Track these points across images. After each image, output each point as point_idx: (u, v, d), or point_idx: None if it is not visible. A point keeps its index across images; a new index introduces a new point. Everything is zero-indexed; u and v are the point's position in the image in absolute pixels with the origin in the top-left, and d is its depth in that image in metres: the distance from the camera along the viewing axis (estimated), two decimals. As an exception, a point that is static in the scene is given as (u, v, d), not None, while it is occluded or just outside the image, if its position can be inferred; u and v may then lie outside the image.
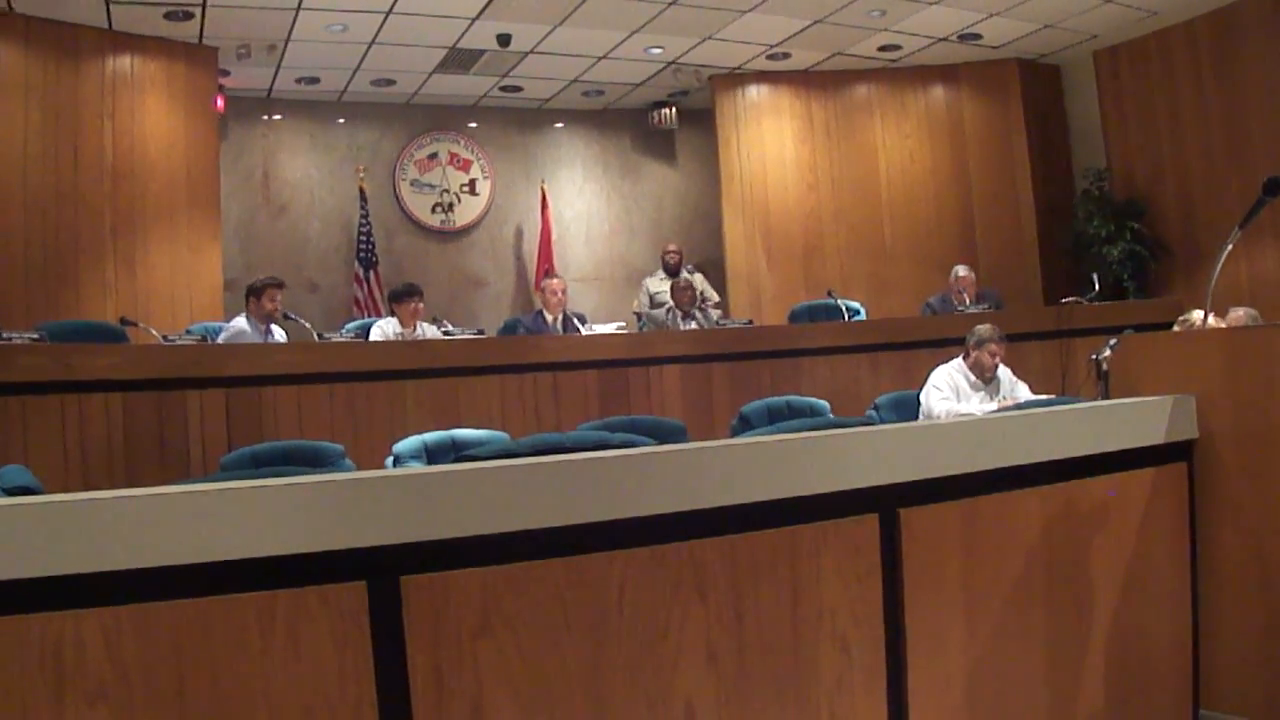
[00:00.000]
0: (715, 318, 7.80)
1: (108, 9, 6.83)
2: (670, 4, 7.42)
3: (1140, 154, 8.65)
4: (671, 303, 7.57)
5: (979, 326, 5.13)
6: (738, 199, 9.18)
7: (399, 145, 9.37)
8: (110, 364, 4.77)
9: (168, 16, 7.02)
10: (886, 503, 2.18)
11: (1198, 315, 4.55)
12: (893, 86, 9.25)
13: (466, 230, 9.57)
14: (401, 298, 6.33)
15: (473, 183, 9.60)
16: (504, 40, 7.90)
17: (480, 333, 6.54)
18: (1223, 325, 4.68)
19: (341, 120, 9.21)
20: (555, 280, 6.95)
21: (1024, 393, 5.11)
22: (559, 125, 9.98)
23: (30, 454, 4.37)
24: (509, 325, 6.94)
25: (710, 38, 8.22)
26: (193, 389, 4.84)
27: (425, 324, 6.34)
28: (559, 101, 9.67)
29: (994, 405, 4.93)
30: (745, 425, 4.38)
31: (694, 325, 7.20)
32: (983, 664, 2.29)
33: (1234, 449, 2.63)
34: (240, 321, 5.85)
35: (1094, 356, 4.12)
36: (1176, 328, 4.74)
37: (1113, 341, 3.76)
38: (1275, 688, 2.52)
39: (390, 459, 3.67)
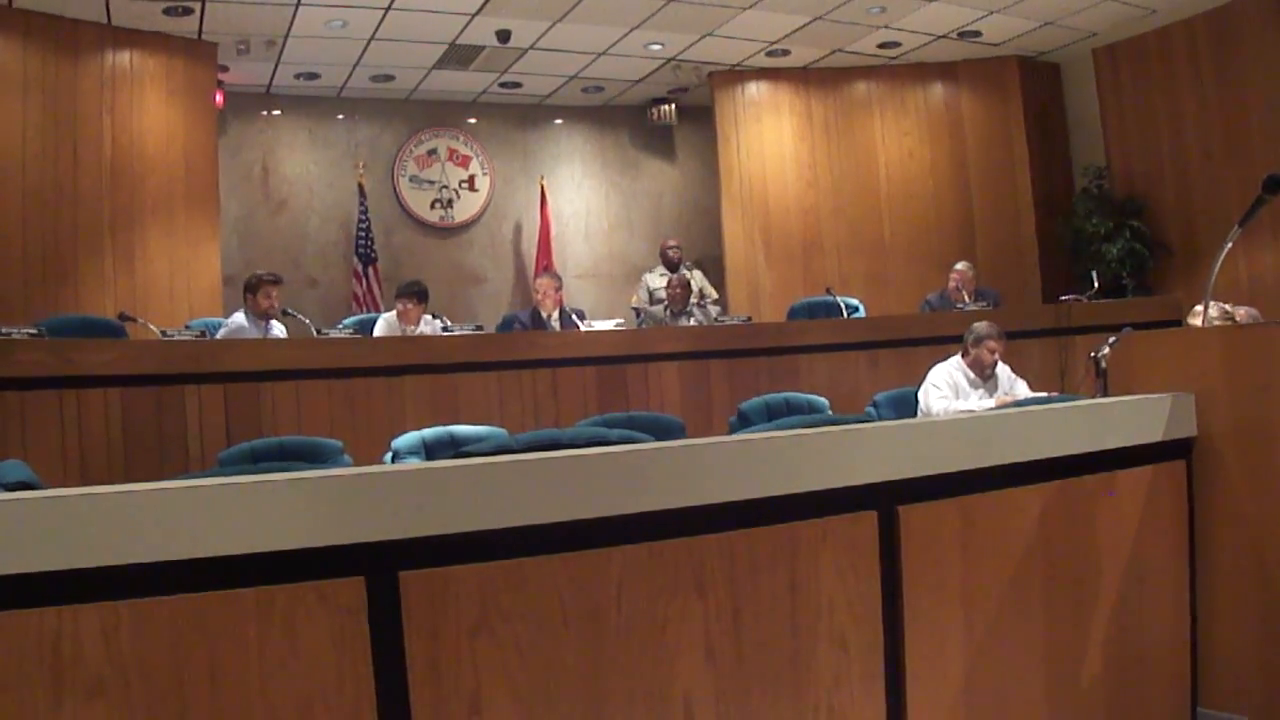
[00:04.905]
0: (714, 314, 7.80)
1: (107, 4, 6.82)
2: (670, 0, 7.41)
3: (1139, 152, 8.65)
4: (666, 300, 7.56)
5: (977, 324, 5.13)
6: (737, 196, 9.17)
7: (398, 141, 9.36)
8: (109, 359, 4.76)
9: (167, 12, 7.01)
10: (885, 500, 2.18)
11: (1216, 308, 4.52)
12: (892, 84, 9.25)
13: (465, 226, 9.57)
14: (403, 296, 6.24)
15: (472, 179, 9.59)
16: (503, 36, 7.89)
17: (479, 329, 6.53)
18: (1232, 309, 4.66)
19: (341, 116, 9.20)
20: (543, 280, 6.93)
21: (1023, 390, 5.11)
22: (558, 121, 9.97)
23: (29, 449, 4.37)
24: (506, 321, 6.93)
25: (710, 34, 8.22)
26: (191, 384, 4.84)
27: (426, 318, 6.32)
28: (558, 98, 9.66)
29: (992, 402, 4.93)
30: (744, 422, 4.38)
31: (691, 322, 7.20)
32: (981, 661, 2.29)
33: (1233, 447, 2.63)
34: (239, 317, 5.85)
35: (1093, 354, 4.12)
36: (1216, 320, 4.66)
37: (1112, 339, 3.76)
38: (1273, 685, 2.52)
39: (389, 455, 3.67)
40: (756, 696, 2.00)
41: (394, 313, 6.34)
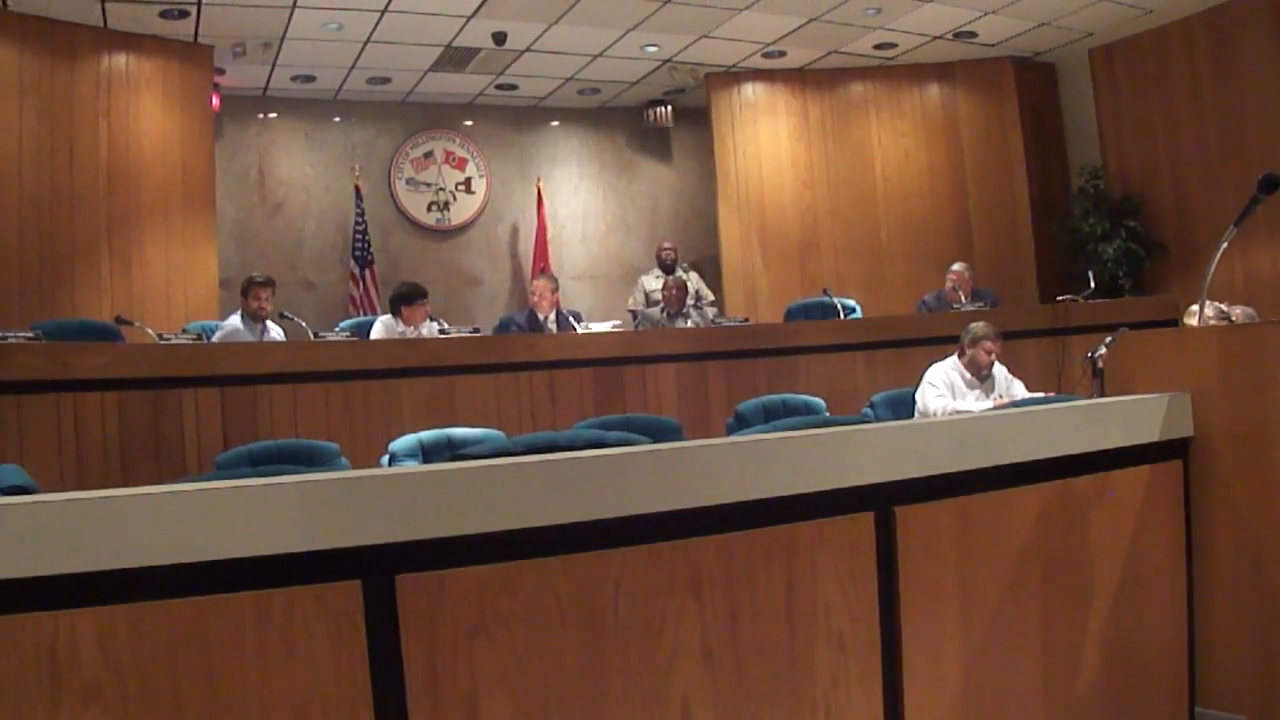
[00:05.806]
0: (711, 316, 7.80)
1: (103, 7, 6.81)
2: (666, 2, 7.41)
3: (1135, 152, 8.67)
4: (662, 302, 7.55)
5: (974, 324, 5.13)
6: (733, 197, 9.18)
7: (395, 143, 9.36)
8: (106, 363, 4.76)
9: (163, 15, 7.00)
10: (882, 501, 2.18)
11: (1212, 308, 4.52)
12: (888, 84, 9.26)
13: (462, 228, 9.56)
14: (412, 300, 6.16)
15: (468, 181, 9.59)
16: (499, 38, 7.89)
17: (476, 331, 6.52)
18: (1228, 309, 4.66)
19: (337, 119, 9.19)
20: (540, 282, 6.91)
21: (1019, 390, 5.11)
22: (555, 123, 9.97)
23: (25, 453, 4.37)
24: (503, 324, 6.92)
25: (706, 36, 8.22)
26: (188, 388, 4.83)
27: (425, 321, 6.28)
28: (555, 99, 9.66)
29: (989, 403, 4.94)
30: (741, 423, 4.38)
31: (688, 324, 7.20)
32: (978, 661, 2.29)
33: (1229, 446, 2.63)
34: (234, 320, 5.84)
35: (1090, 354, 4.13)
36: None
37: (1108, 339, 3.77)
38: (1271, 684, 2.52)
39: (386, 458, 3.67)
40: (754, 698, 2.00)
41: (389, 318, 6.29)
